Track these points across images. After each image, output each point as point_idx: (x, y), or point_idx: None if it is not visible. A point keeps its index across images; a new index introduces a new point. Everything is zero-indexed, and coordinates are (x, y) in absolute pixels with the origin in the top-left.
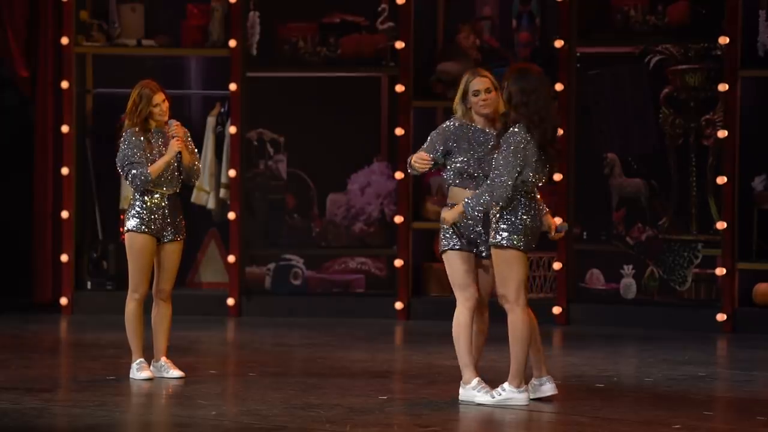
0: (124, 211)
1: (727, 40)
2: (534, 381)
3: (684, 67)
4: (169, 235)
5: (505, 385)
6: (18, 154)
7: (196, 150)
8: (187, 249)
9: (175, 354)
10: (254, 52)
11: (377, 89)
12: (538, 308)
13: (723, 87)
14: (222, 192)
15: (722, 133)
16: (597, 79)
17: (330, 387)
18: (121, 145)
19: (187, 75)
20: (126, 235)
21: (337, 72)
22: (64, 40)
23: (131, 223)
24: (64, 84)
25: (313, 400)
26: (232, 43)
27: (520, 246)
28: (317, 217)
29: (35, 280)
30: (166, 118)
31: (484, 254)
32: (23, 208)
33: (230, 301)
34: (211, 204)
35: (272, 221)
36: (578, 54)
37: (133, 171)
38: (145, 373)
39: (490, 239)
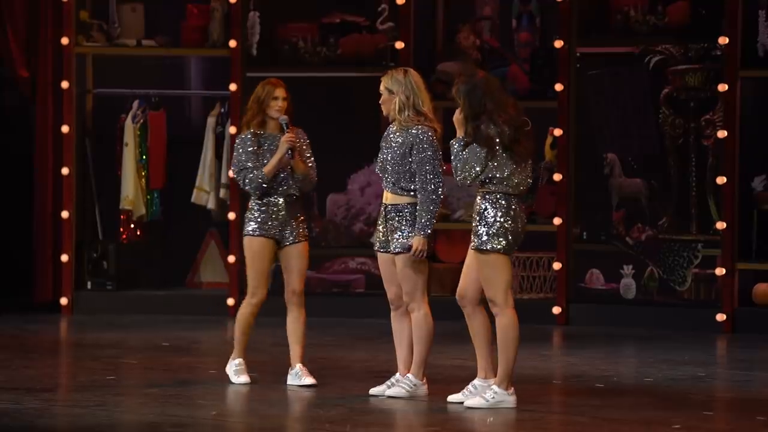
0: (124, 211)
1: (727, 40)
2: (479, 382)
3: (684, 67)
4: (290, 238)
5: (494, 386)
6: (18, 154)
7: (313, 158)
8: (188, 249)
9: (175, 354)
10: (254, 52)
11: (377, 89)
12: (538, 308)
13: (723, 87)
14: (222, 192)
15: (722, 133)
16: (597, 79)
17: (330, 387)
18: (234, 151)
19: (187, 75)
20: (244, 238)
21: (337, 72)
22: (64, 40)
23: (249, 226)
24: (64, 84)
25: (313, 400)
26: (232, 43)
27: (500, 249)
28: (317, 217)
29: (35, 280)
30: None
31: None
32: (23, 208)
33: (230, 301)
34: (211, 204)
35: None
36: (578, 54)
37: (249, 175)
38: (244, 378)
39: (471, 243)
